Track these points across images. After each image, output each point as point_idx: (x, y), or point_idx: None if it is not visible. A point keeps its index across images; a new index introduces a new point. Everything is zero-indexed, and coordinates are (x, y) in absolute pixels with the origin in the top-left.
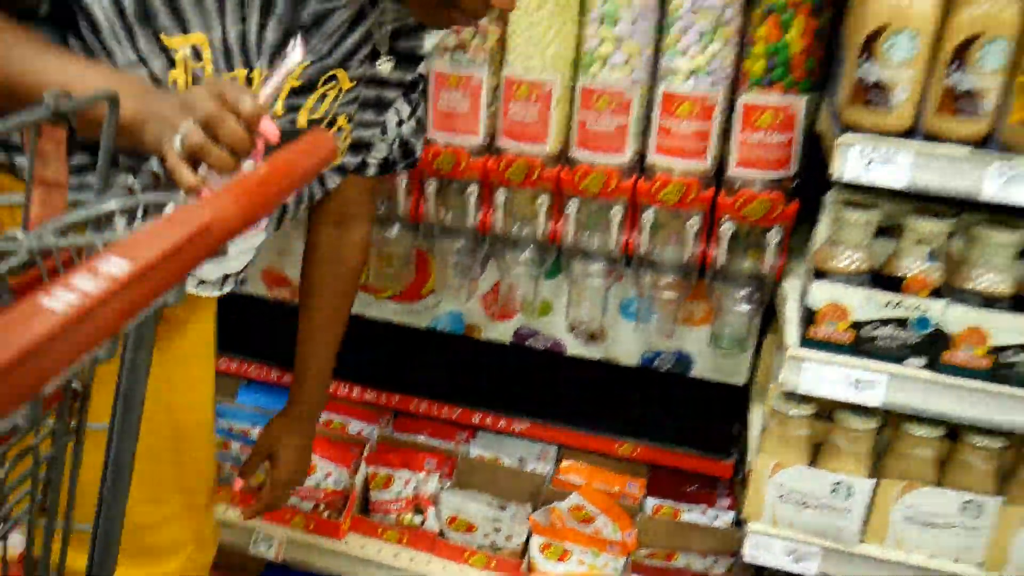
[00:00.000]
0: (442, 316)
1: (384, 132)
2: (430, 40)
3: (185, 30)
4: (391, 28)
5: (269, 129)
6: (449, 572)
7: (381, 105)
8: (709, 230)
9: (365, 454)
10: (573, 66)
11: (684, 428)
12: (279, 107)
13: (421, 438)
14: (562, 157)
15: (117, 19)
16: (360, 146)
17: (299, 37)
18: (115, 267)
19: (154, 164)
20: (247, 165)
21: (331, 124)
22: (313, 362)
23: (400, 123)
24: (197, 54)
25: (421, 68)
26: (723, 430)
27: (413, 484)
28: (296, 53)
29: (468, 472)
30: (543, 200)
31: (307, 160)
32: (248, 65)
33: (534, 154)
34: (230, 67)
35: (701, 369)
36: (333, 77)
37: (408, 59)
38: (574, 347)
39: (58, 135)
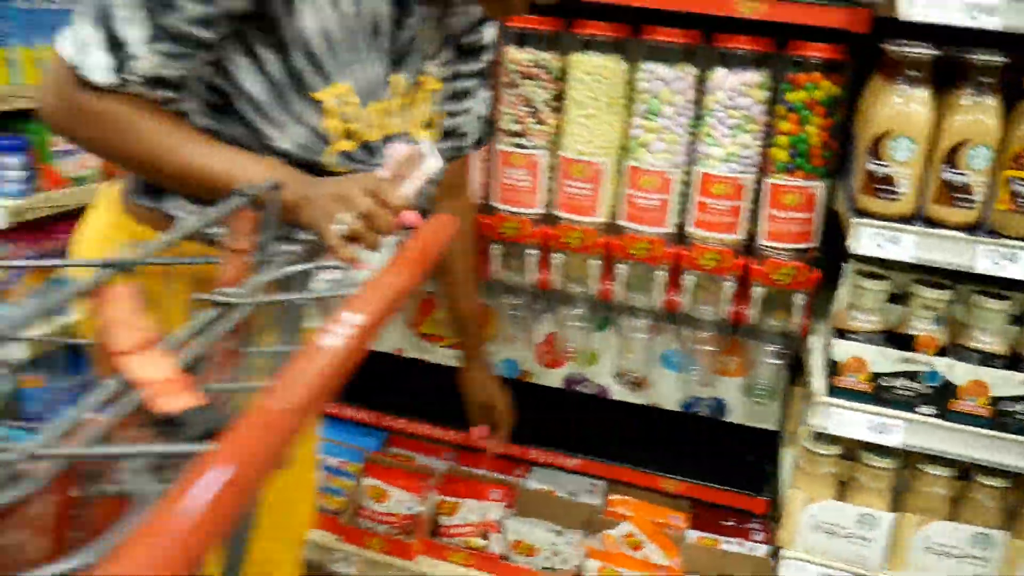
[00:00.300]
0: (498, 362)
1: (476, 117)
2: (489, 32)
3: (329, 82)
4: (461, 28)
5: (411, 218)
6: None
7: (461, 95)
8: (742, 292)
9: (434, 484)
10: (621, 149)
11: (721, 467)
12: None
13: (483, 471)
14: (612, 227)
15: (270, 89)
16: (452, 133)
17: (429, 143)
18: (356, 319)
19: (305, 235)
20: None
21: (429, 124)
22: (468, 315)
23: (481, 105)
24: (342, 101)
25: (487, 56)
26: (757, 469)
27: (479, 511)
28: (432, 159)
29: (528, 502)
30: (595, 263)
31: (445, 233)
32: (379, 99)
33: (587, 224)
34: (366, 105)
35: (735, 415)
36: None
37: (475, 51)
38: (619, 393)
39: (251, 216)
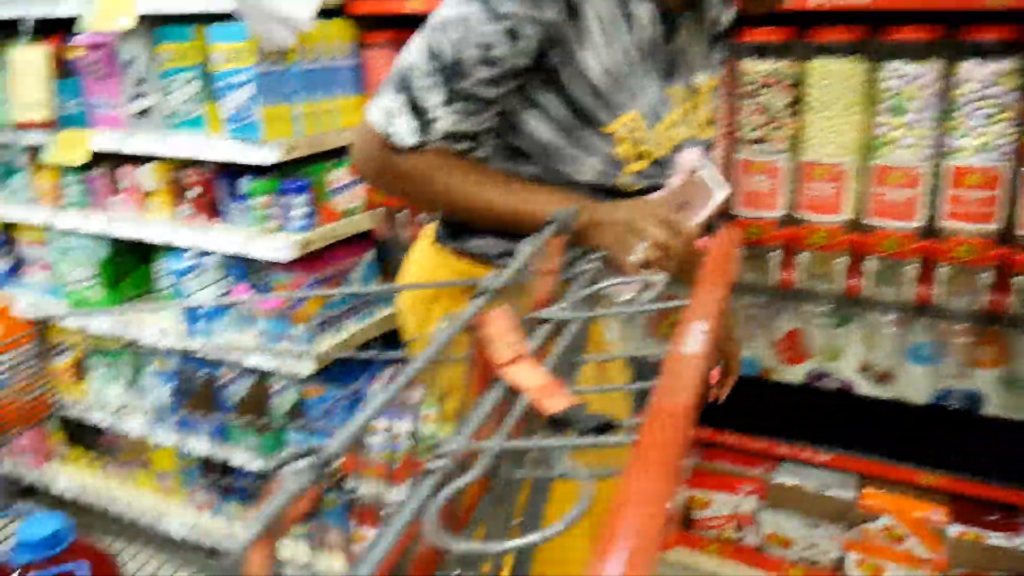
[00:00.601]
0: None
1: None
2: (727, 16)
3: (617, 115)
4: (712, 21)
5: (701, 243)
6: None
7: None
8: (999, 282)
9: (683, 479)
10: (864, 148)
11: (977, 460)
12: (684, 132)
13: (730, 466)
14: (857, 224)
15: (559, 133)
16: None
17: (716, 172)
18: (703, 327)
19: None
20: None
21: (710, 122)
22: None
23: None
24: (631, 127)
25: (727, 40)
26: (1019, 461)
27: (731, 505)
28: (720, 191)
29: (780, 495)
30: (840, 261)
31: (733, 244)
32: (664, 115)
33: (832, 223)
34: (653, 125)
35: (991, 406)
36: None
37: (719, 39)
38: (863, 387)
39: (559, 241)
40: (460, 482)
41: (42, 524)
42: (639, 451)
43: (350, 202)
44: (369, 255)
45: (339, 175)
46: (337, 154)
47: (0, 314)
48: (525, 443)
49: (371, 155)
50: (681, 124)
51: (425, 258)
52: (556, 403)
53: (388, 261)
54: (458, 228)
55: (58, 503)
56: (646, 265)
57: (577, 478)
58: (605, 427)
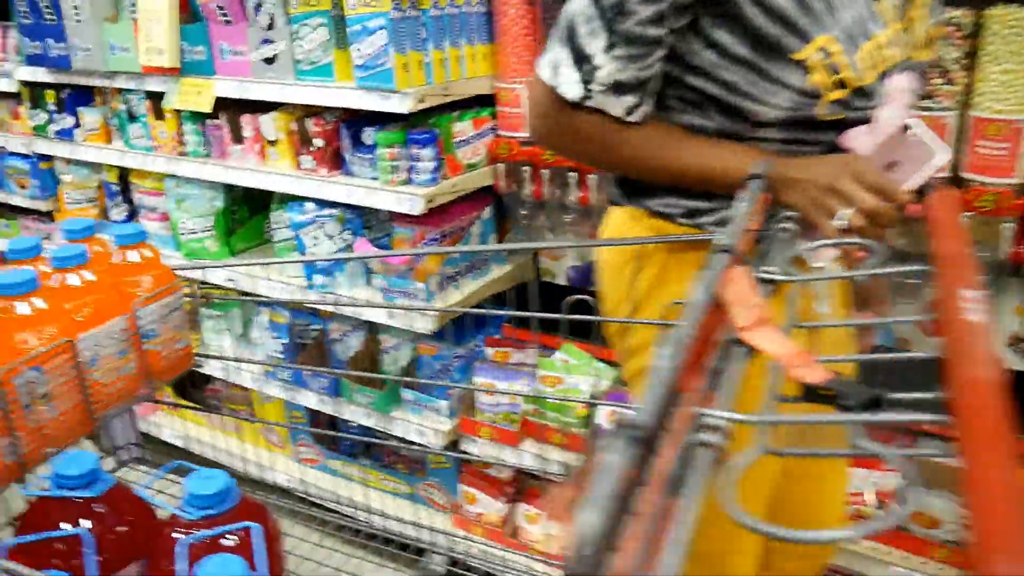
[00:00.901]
0: (875, 331)
1: None
2: None
3: (808, 39)
4: None
5: (915, 209)
6: (910, 563)
7: None
8: None
9: None
10: None
11: None
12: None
13: None
14: None
15: (741, 69)
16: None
17: (931, 132)
18: (976, 295)
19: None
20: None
21: (929, 42)
22: None
23: None
24: (826, 52)
25: None
26: None
27: (872, 480)
28: (941, 154)
29: (926, 473)
30: (1007, 226)
31: (958, 203)
32: (867, 36)
33: (999, 185)
34: (855, 47)
35: None
36: None
37: None
38: (1011, 362)
39: (765, 197)
40: (749, 457)
41: (209, 481)
42: (968, 430)
43: (474, 155)
44: (487, 210)
45: (464, 127)
46: (463, 105)
47: (150, 264)
48: (804, 417)
49: (544, 112)
50: (893, 44)
51: (617, 219)
52: (814, 374)
53: (506, 217)
54: (632, 187)
55: (166, 450)
56: (847, 231)
57: (888, 458)
58: (875, 401)
